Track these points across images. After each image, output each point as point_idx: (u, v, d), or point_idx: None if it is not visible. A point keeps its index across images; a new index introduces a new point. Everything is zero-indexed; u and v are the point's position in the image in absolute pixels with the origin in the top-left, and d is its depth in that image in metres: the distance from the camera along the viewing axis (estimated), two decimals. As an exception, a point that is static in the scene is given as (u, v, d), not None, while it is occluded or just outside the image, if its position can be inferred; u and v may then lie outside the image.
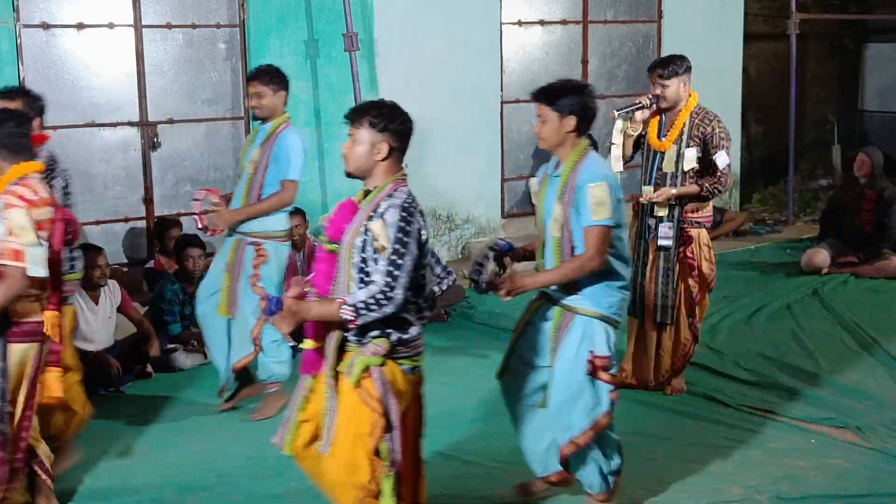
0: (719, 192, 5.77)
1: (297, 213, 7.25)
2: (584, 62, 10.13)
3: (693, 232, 5.84)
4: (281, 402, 5.59)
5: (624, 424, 5.54)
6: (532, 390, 4.36)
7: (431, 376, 6.31)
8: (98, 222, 7.95)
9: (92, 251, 6.40)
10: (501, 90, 9.58)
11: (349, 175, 3.78)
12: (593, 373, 4.18)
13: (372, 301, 3.54)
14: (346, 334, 3.68)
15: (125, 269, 7.74)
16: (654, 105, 5.78)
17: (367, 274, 3.62)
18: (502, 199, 9.73)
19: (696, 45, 10.41)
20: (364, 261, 3.62)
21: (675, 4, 10.49)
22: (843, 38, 13.52)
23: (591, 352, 4.18)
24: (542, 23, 9.86)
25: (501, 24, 9.55)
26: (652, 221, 5.87)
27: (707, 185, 5.73)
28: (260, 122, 5.79)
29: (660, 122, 5.85)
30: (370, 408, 3.62)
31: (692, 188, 5.74)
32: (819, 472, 4.89)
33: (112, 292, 6.49)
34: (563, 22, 9.98)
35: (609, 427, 4.31)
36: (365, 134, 3.74)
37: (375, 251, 3.58)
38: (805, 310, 7.73)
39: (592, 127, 4.30)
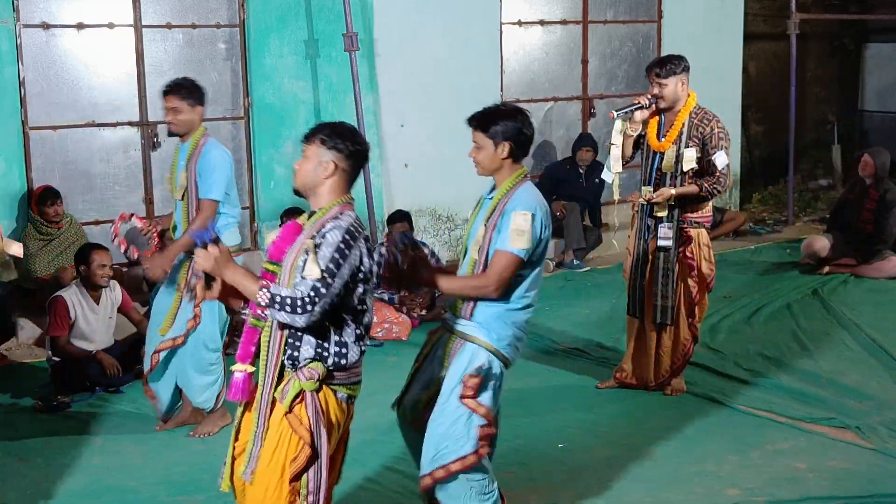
0: (718, 192, 5.77)
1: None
2: (584, 62, 10.13)
3: (692, 232, 5.83)
4: (224, 421, 5.51)
5: (624, 424, 5.57)
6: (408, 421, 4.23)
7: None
8: (98, 222, 7.95)
9: (95, 249, 6.41)
10: (501, 90, 9.57)
11: (296, 192, 3.70)
12: (463, 397, 3.94)
13: (289, 302, 3.39)
14: (283, 358, 3.56)
15: (125, 270, 7.73)
16: (653, 105, 5.77)
17: None
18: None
19: (696, 45, 10.42)
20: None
21: (675, 4, 10.49)
22: (843, 38, 13.52)
23: (468, 374, 3.96)
24: (542, 23, 9.86)
25: (501, 24, 9.55)
26: (651, 222, 5.87)
27: (706, 185, 5.73)
28: (179, 138, 5.53)
29: (659, 123, 5.85)
30: (298, 435, 3.52)
31: (691, 188, 5.74)
32: (818, 474, 4.88)
33: (113, 292, 6.49)
34: (563, 22, 9.98)
35: (477, 466, 3.98)
36: (314, 150, 3.63)
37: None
38: (805, 310, 7.73)
39: (528, 153, 4.17)
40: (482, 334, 4.01)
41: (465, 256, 4.18)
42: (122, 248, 5.44)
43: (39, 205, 7.32)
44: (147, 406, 5.92)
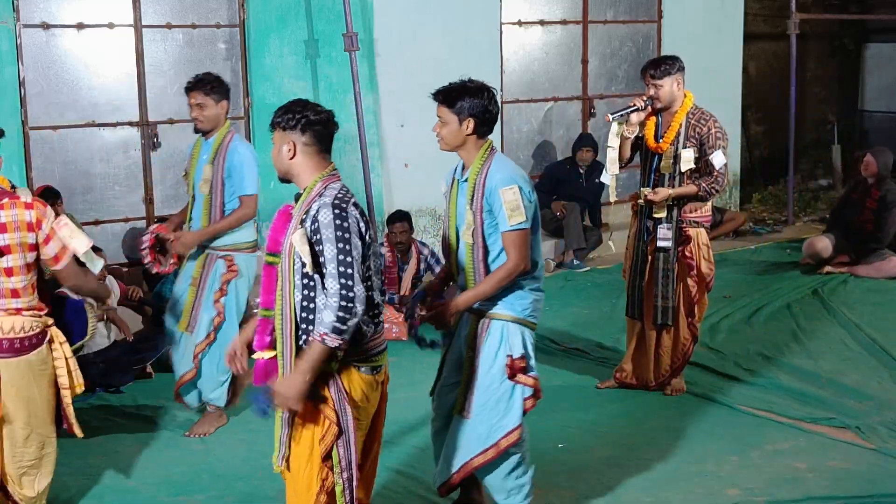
0: (716, 191, 5.77)
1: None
2: (584, 62, 10.13)
3: (691, 232, 5.83)
4: (220, 422, 5.56)
5: (623, 424, 5.57)
6: (443, 408, 4.32)
7: (431, 376, 6.33)
8: (98, 222, 7.95)
9: (95, 251, 6.42)
10: (501, 90, 9.57)
11: (282, 180, 3.74)
12: (512, 376, 4.09)
13: (341, 313, 3.39)
14: (300, 343, 3.56)
15: (125, 269, 7.73)
16: (649, 107, 5.77)
17: (310, 277, 3.50)
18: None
19: (696, 45, 10.43)
20: (304, 264, 3.50)
21: (675, 4, 10.49)
22: (843, 38, 13.53)
23: (509, 356, 4.10)
24: (542, 23, 9.86)
25: (501, 24, 9.55)
26: (650, 223, 5.87)
27: (704, 185, 5.73)
28: (201, 134, 5.57)
29: (657, 124, 5.85)
30: (324, 414, 3.55)
31: (689, 188, 5.74)
32: (818, 474, 4.88)
33: (111, 288, 6.52)
34: (563, 22, 9.98)
35: (520, 441, 4.17)
36: (277, 136, 3.68)
37: (317, 242, 3.47)
38: (805, 310, 7.73)
39: (493, 130, 4.19)
40: (506, 309, 4.12)
41: (457, 242, 4.21)
42: (150, 260, 5.54)
43: (39, 205, 7.31)
44: (147, 406, 5.93)
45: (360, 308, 3.43)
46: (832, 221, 9.30)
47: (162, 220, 7.83)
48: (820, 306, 7.82)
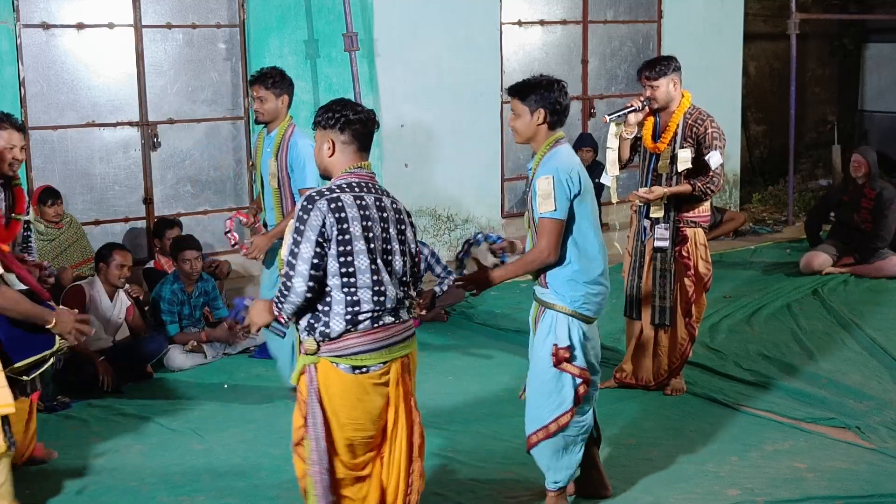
0: (712, 192, 5.76)
1: None
2: (584, 62, 10.13)
3: (689, 231, 5.83)
4: None
5: (623, 424, 5.57)
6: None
7: (431, 376, 6.34)
8: (98, 222, 7.95)
9: (117, 249, 6.49)
10: (501, 90, 9.57)
11: (322, 177, 3.92)
12: (557, 364, 4.25)
13: (276, 300, 3.65)
14: (299, 334, 3.77)
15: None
16: (647, 108, 5.78)
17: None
18: (502, 199, 9.74)
19: (696, 45, 10.44)
20: None
21: (675, 4, 10.49)
22: (843, 38, 13.53)
23: (555, 344, 4.26)
24: (542, 23, 9.86)
25: (501, 24, 9.56)
26: (648, 223, 5.87)
27: (699, 184, 5.72)
28: (263, 126, 5.78)
29: (654, 124, 5.85)
30: (297, 406, 3.73)
31: (684, 187, 5.74)
32: (818, 474, 4.88)
33: (123, 298, 6.56)
34: (563, 22, 9.98)
35: (568, 425, 4.32)
36: (318, 135, 3.80)
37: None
38: (805, 310, 7.73)
39: (564, 122, 4.36)
40: (557, 300, 4.27)
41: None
42: (233, 242, 5.83)
43: (39, 205, 7.31)
44: (147, 406, 5.93)
45: (293, 299, 3.59)
46: (811, 224, 9.40)
47: (163, 219, 7.85)
48: (820, 306, 7.82)
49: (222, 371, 6.62)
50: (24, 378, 4.22)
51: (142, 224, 8.12)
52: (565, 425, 4.31)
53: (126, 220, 8.09)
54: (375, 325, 3.67)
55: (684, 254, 5.82)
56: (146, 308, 6.99)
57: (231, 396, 6.12)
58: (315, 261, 3.57)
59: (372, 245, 3.63)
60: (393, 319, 3.72)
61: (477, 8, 9.32)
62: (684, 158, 5.70)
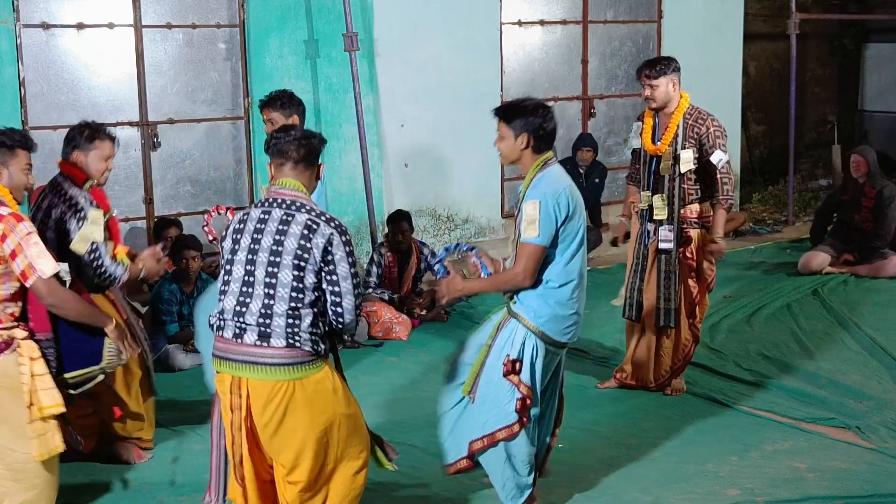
0: (731, 192, 5.76)
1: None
2: (584, 62, 10.13)
3: (692, 233, 5.83)
4: None
5: (623, 425, 5.57)
6: (457, 383, 4.44)
7: (431, 376, 6.34)
8: (98, 222, 7.94)
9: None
10: (501, 90, 9.57)
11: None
12: (505, 374, 4.19)
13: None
14: None
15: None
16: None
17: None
18: (502, 199, 9.73)
19: (696, 45, 10.44)
20: None
21: (675, 4, 10.49)
22: (843, 38, 13.53)
23: (507, 354, 4.22)
24: (542, 23, 9.86)
25: (501, 24, 9.55)
26: (651, 226, 5.87)
27: (720, 197, 5.71)
28: None
29: (654, 126, 5.85)
30: None
31: (719, 213, 5.75)
32: (818, 474, 4.88)
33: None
34: (563, 22, 9.98)
35: (512, 439, 4.25)
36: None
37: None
38: (805, 310, 7.73)
39: (551, 145, 4.35)
40: (523, 312, 4.25)
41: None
42: (210, 238, 5.76)
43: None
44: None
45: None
46: (817, 226, 9.38)
47: (163, 219, 7.84)
48: (820, 306, 7.82)
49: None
50: (72, 392, 4.15)
51: (142, 224, 8.12)
52: (511, 436, 4.23)
53: (126, 220, 8.08)
54: (218, 331, 3.75)
55: (688, 255, 5.81)
56: (145, 307, 6.99)
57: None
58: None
59: (232, 257, 3.74)
60: (231, 334, 3.69)
61: (477, 8, 9.32)
62: (686, 159, 5.69)
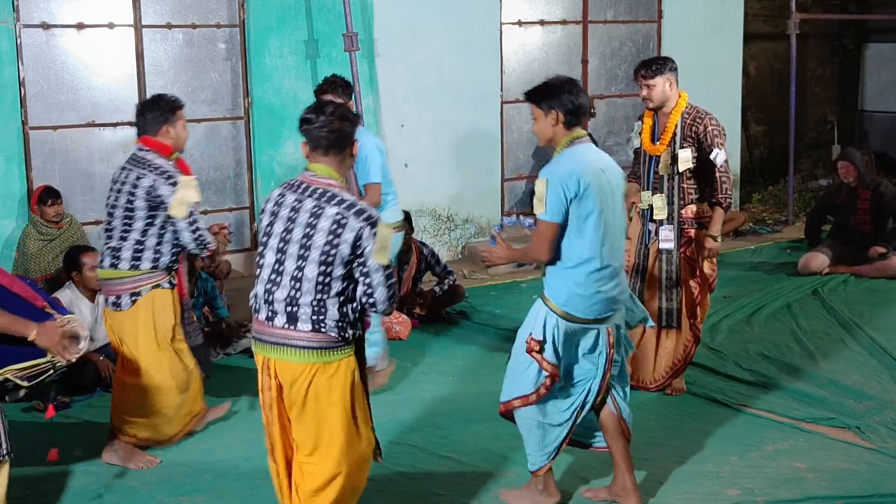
0: (729, 191, 5.76)
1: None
2: (584, 62, 10.13)
3: (693, 233, 5.83)
4: (386, 376, 6.13)
5: (624, 425, 5.55)
6: None
7: (432, 376, 6.34)
8: (98, 222, 7.94)
9: (84, 252, 6.42)
10: (501, 90, 9.58)
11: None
12: (528, 351, 4.37)
13: None
14: None
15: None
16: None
17: None
18: (502, 199, 9.73)
19: (696, 45, 10.44)
20: None
21: (675, 4, 10.49)
22: (843, 38, 13.53)
23: (530, 333, 4.39)
24: (542, 23, 9.86)
25: (501, 24, 9.56)
26: (652, 226, 5.86)
27: (719, 196, 5.70)
28: None
29: (653, 126, 5.84)
30: None
31: (717, 212, 5.75)
32: (818, 474, 4.88)
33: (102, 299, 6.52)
34: (563, 22, 9.98)
35: (529, 406, 4.45)
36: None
37: None
38: (805, 310, 7.73)
39: (582, 120, 4.42)
40: (546, 292, 4.40)
41: None
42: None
43: (39, 205, 7.31)
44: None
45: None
46: (810, 228, 9.41)
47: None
48: (820, 306, 7.81)
49: (223, 371, 6.62)
50: (25, 384, 4.02)
51: (142, 224, 8.11)
52: (530, 404, 4.43)
53: (126, 220, 8.08)
54: (255, 313, 3.86)
55: (689, 255, 5.81)
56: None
57: (231, 396, 6.11)
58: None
59: (266, 240, 3.83)
60: (264, 317, 3.82)
61: (477, 8, 9.32)
62: (685, 158, 5.69)
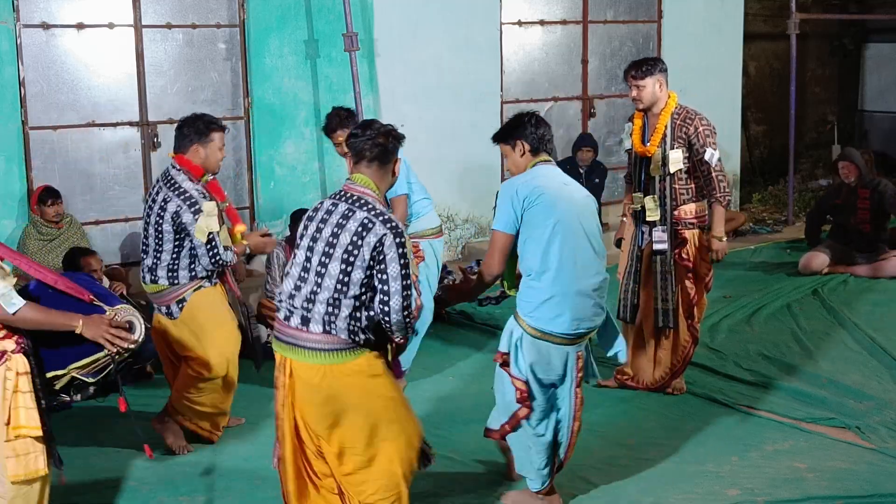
0: (727, 190, 5.76)
1: None
2: (584, 62, 10.13)
3: (687, 234, 5.82)
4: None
5: (623, 425, 5.57)
6: None
7: (431, 376, 6.34)
8: (98, 222, 7.95)
9: (85, 256, 6.43)
10: (501, 90, 9.58)
11: None
12: (501, 365, 4.45)
13: None
14: None
15: (125, 270, 7.73)
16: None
17: None
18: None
19: (696, 45, 10.44)
20: None
21: (675, 4, 10.49)
22: (843, 38, 13.53)
23: (500, 348, 4.48)
24: (542, 23, 9.86)
25: (501, 24, 9.56)
26: (645, 228, 5.86)
27: (717, 195, 5.70)
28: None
29: (643, 128, 5.85)
30: None
31: (717, 210, 5.76)
32: (818, 474, 4.88)
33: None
34: (563, 22, 9.98)
35: (518, 428, 4.47)
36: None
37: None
38: (805, 310, 7.72)
39: (547, 147, 4.54)
40: (516, 306, 4.46)
41: None
42: None
43: (39, 205, 7.32)
44: (147, 406, 5.92)
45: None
46: (810, 228, 9.41)
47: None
48: (820, 306, 7.81)
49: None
50: (90, 380, 4.10)
51: (142, 224, 8.10)
52: (517, 425, 4.44)
53: (126, 219, 8.09)
54: (280, 314, 3.95)
55: (684, 256, 5.81)
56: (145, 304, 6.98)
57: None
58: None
59: (299, 242, 3.96)
60: (283, 316, 3.90)
61: (477, 8, 9.32)
62: (675, 159, 5.69)
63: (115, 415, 5.82)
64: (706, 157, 5.67)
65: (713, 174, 5.71)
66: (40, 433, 3.82)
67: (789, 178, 11.27)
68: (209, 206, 5.08)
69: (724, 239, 5.86)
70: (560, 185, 4.39)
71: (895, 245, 8.85)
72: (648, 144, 5.77)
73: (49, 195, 7.31)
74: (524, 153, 4.48)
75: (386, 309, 3.78)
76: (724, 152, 10.67)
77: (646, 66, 5.72)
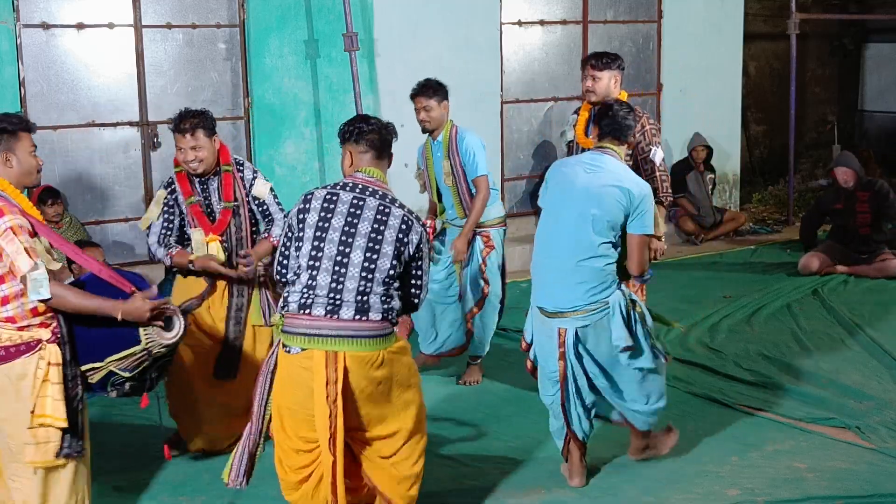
0: (668, 189, 5.74)
1: None
2: (584, 62, 10.12)
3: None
4: (482, 372, 6.35)
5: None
6: None
7: (432, 376, 6.34)
8: (98, 222, 7.95)
9: (86, 247, 6.43)
10: (501, 90, 9.58)
11: None
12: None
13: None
14: None
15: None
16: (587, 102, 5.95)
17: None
18: (502, 199, 9.70)
19: (696, 45, 10.43)
20: None
21: (675, 4, 10.49)
22: (843, 38, 13.54)
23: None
24: (542, 23, 9.86)
25: (501, 24, 9.56)
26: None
27: (660, 194, 5.63)
28: (428, 134, 6.28)
29: (588, 120, 5.86)
30: None
31: (660, 212, 5.63)
32: (818, 474, 4.88)
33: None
34: (563, 22, 9.98)
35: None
36: (342, 149, 4.24)
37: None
38: (805, 310, 7.73)
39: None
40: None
41: None
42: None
43: (39, 205, 7.31)
44: (147, 406, 5.91)
45: (276, 277, 4.06)
46: (806, 230, 9.44)
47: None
48: (820, 306, 7.82)
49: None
50: (127, 374, 4.01)
51: (142, 224, 8.11)
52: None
53: (126, 220, 8.10)
54: (303, 310, 3.88)
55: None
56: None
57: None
58: (282, 246, 4.05)
59: (322, 234, 3.91)
60: (323, 312, 3.86)
61: (477, 8, 9.32)
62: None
63: (115, 415, 5.84)
64: (651, 155, 5.68)
65: (657, 173, 5.70)
66: (65, 424, 3.79)
67: (789, 178, 11.27)
68: (158, 195, 5.18)
69: (663, 239, 5.76)
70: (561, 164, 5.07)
71: (894, 245, 8.85)
72: (590, 136, 5.75)
73: (49, 195, 7.32)
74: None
75: (416, 301, 4.14)
76: (725, 152, 10.70)
77: (606, 58, 5.82)
